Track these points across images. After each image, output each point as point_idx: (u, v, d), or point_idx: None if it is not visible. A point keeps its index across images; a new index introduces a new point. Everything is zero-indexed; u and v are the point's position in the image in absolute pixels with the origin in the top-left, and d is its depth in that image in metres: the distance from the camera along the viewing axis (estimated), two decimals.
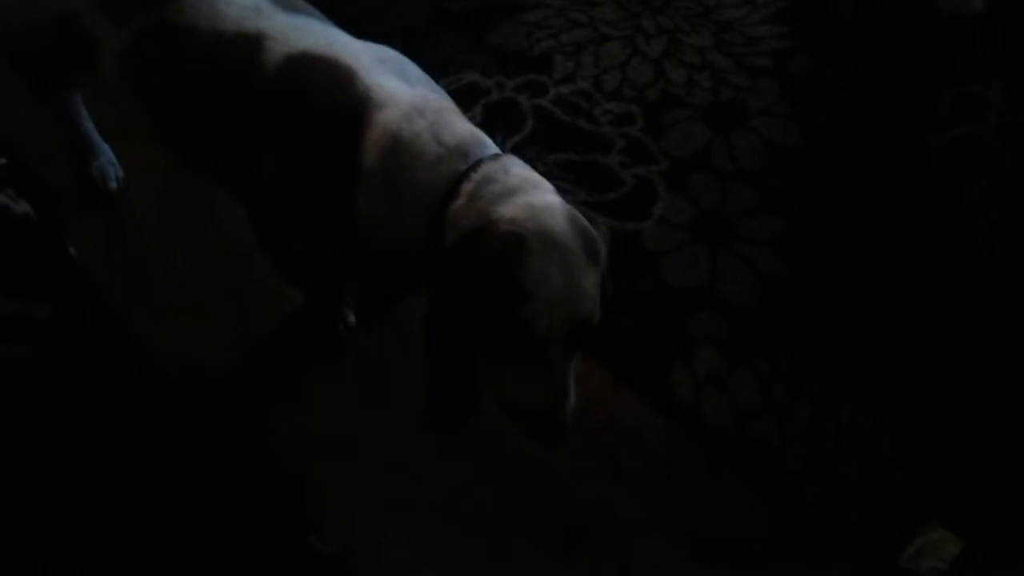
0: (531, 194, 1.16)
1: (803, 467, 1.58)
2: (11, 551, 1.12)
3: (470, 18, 2.31)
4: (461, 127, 1.25)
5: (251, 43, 1.29)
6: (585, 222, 1.17)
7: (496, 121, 2.08)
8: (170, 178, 2.01)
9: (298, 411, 1.66)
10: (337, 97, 1.24)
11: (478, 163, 1.19)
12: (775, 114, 2.12)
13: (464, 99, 2.08)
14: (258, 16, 1.32)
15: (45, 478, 1.01)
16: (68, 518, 1.18)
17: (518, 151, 2.02)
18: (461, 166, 1.19)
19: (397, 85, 1.26)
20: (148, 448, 1.33)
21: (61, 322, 0.94)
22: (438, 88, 1.36)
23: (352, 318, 1.73)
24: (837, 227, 1.92)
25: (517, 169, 1.20)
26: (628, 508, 1.54)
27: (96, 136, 1.90)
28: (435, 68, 1.39)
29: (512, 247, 1.09)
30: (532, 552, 1.49)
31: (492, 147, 1.26)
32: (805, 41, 2.28)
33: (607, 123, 2.09)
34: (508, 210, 1.13)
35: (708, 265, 1.85)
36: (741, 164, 2.02)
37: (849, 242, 1.90)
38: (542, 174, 1.89)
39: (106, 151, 1.93)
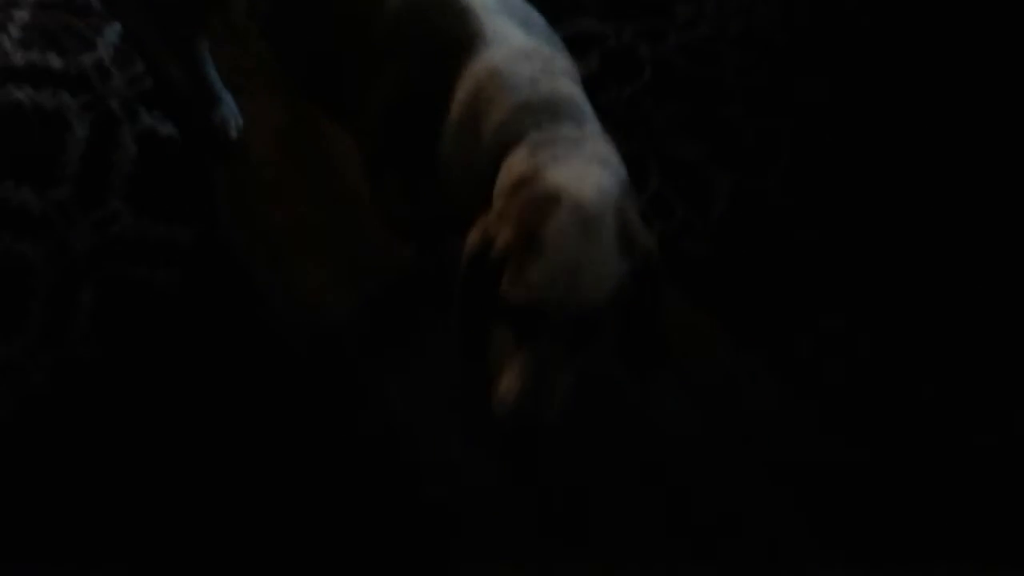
0: (592, 166, 1.08)
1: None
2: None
3: None
4: (563, 83, 1.19)
5: None
6: (635, 217, 1.08)
7: (613, 71, 2.02)
8: (288, 128, 2.03)
9: (412, 358, 1.67)
10: (450, 31, 1.22)
11: (560, 122, 1.13)
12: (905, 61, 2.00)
13: (578, 46, 2.02)
14: None
15: (168, 399, 1.04)
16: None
17: (635, 101, 1.97)
18: (543, 119, 1.13)
19: (514, 29, 1.23)
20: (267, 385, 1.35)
21: (202, 249, 0.95)
22: (558, 42, 1.31)
23: None
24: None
25: (590, 145, 1.13)
26: None
27: (219, 85, 1.93)
28: (547, 12, 1.34)
29: (544, 201, 1.03)
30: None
31: (587, 113, 1.18)
32: None
33: (731, 72, 2.00)
34: (559, 171, 1.06)
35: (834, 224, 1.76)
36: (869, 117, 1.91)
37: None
38: (657, 127, 1.92)
39: (228, 100, 1.96)
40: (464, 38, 1.21)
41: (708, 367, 1.61)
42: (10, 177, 0.88)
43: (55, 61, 0.91)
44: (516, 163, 1.11)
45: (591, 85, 1.30)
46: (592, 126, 1.18)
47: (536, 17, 1.31)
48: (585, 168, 1.07)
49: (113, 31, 0.95)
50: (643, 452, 1.53)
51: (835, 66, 2.01)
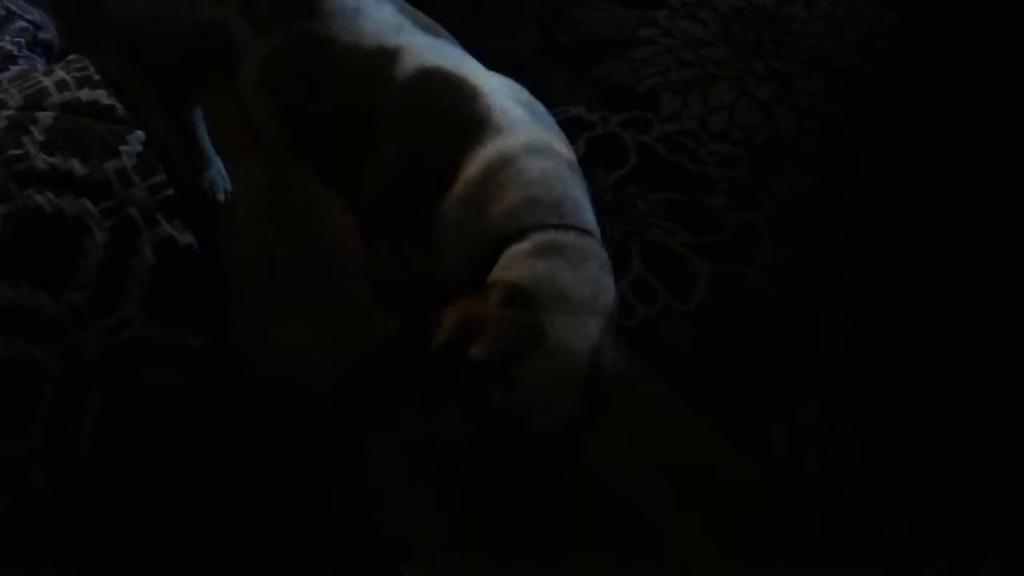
0: (576, 311, 1.11)
1: (904, 533, 1.53)
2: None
3: (578, 51, 2.31)
4: (574, 189, 1.24)
5: (388, 56, 1.33)
6: (608, 355, 1.13)
7: (599, 156, 2.08)
8: (274, 193, 2.05)
9: (389, 433, 1.67)
10: (459, 111, 1.26)
11: (567, 226, 1.17)
12: (887, 164, 2.07)
13: (568, 132, 2.05)
14: (399, 33, 1.36)
15: (168, 500, 1.04)
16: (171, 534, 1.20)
17: (620, 187, 2.02)
18: (549, 218, 1.17)
19: (523, 117, 1.27)
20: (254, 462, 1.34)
21: (212, 351, 0.97)
22: (557, 128, 1.36)
23: None
24: (954, 283, 1.87)
25: (594, 266, 1.17)
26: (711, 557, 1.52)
27: (211, 148, 1.95)
28: (540, 99, 1.39)
29: (527, 338, 1.08)
30: None
31: (588, 217, 1.24)
32: (920, 88, 2.23)
33: (712, 164, 2.06)
34: (555, 300, 1.10)
35: (809, 314, 1.81)
36: (849, 213, 1.98)
37: (963, 299, 1.84)
38: (643, 212, 1.98)
39: (217, 163, 1.98)
40: (473, 119, 1.25)
41: (687, 454, 1.64)
42: (27, 281, 0.88)
43: (78, 167, 0.91)
44: (516, 264, 1.15)
45: None
46: (592, 229, 1.22)
47: (537, 104, 1.35)
48: (576, 304, 1.11)
49: (136, 138, 0.96)
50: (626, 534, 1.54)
51: (814, 166, 2.08)
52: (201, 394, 0.98)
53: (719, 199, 2.00)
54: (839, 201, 2.00)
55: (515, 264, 1.15)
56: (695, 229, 1.95)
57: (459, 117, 1.26)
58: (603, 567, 1.50)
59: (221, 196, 1.99)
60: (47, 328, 0.89)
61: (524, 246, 1.15)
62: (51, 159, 0.91)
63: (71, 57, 1.06)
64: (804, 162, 2.07)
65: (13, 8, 1.51)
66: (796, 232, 1.94)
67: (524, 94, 1.35)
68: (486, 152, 1.22)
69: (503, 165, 1.21)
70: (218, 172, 1.99)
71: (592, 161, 2.06)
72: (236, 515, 1.35)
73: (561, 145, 1.30)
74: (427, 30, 1.41)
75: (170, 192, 0.91)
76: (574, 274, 1.13)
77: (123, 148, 0.94)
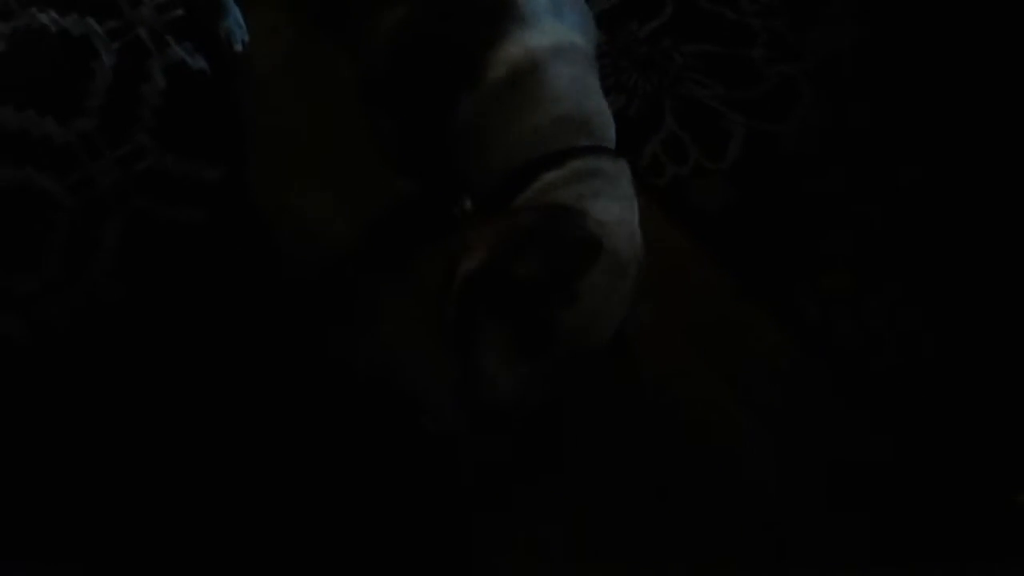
0: (627, 212, 1.13)
1: (929, 396, 1.52)
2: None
3: None
4: (598, 101, 1.20)
5: None
6: (641, 252, 1.14)
7: (634, 4, 1.96)
8: (292, 47, 1.96)
9: (405, 294, 1.65)
10: None
11: (600, 149, 1.15)
12: (936, 15, 1.95)
13: None
14: None
15: (187, 338, 1.02)
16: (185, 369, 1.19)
17: (654, 39, 1.92)
18: (581, 141, 1.14)
19: (545, 7, 1.18)
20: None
21: (228, 186, 0.93)
22: (580, 8, 1.26)
23: (468, 203, 1.69)
24: (1004, 146, 1.78)
25: (626, 183, 1.15)
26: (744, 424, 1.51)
27: None
28: None
29: (588, 250, 1.06)
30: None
31: (612, 130, 1.20)
32: None
33: (752, 14, 1.94)
34: (603, 212, 1.09)
35: (847, 177, 1.74)
36: (895, 68, 1.87)
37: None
38: (678, 65, 1.89)
39: (235, 11, 1.89)
40: (497, 4, 1.16)
41: (710, 315, 1.62)
42: (32, 106, 0.83)
43: None
44: (558, 189, 1.11)
45: (611, 21, 1.24)
46: (613, 142, 1.20)
47: None
48: (623, 212, 1.12)
49: None
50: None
51: (859, 17, 1.96)
52: (219, 232, 0.94)
53: (759, 51, 1.89)
54: (885, 55, 1.89)
55: (557, 189, 1.11)
56: (732, 83, 1.85)
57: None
58: (618, 428, 1.50)
59: (238, 46, 1.91)
60: (56, 157, 0.85)
61: (563, 173, 1.12)
62: None
63: None
64: (848, 12, 1.95)
65: None
66: (837, 88, 1.85)
67: None
68: (512, 51, 1.14)
69: (530, 70, 1.14)
70: (235, 21, 1.90)
71: (626, 10, 1.95)
72: (253, 374, 1.35)
73: (580, 35, 1.22)
74: None
75: (179, 12, 0.85)
76: (614, 190, 1.13)
77: None
